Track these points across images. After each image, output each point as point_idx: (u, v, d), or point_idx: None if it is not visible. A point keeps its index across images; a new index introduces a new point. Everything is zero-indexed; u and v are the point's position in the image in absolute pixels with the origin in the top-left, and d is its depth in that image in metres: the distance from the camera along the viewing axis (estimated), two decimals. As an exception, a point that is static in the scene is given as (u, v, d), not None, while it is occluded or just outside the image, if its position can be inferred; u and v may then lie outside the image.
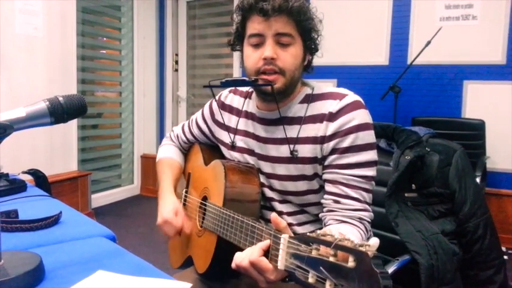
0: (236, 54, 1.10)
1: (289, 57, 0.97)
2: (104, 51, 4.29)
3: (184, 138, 1.32)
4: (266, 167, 1.07)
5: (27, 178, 1.48)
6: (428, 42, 2.90)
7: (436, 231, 1.22)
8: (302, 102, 1.04)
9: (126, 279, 0.74)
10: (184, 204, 1.25)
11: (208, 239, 1.05)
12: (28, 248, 0.86)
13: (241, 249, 0.82)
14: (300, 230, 1.08)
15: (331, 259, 0.54)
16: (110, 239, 0.97)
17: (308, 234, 0.61)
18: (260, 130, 1.09)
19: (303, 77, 1.08)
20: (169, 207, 1.12)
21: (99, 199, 3.92)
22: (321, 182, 1.02)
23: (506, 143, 2.96)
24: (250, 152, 1.11)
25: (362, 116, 0.96)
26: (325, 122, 0.98)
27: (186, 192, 1.26)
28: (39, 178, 1.56)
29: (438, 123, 2.88)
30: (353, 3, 3.41)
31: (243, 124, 1.14)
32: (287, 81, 0.98)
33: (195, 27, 4.47)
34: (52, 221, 1.03)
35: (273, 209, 1.10)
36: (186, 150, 1.36)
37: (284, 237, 0.68)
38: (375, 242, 0.51)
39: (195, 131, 1.29)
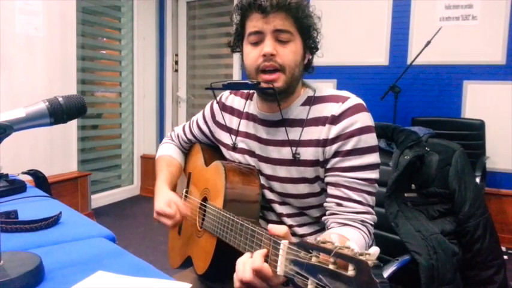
0: (236, 55, 1.10)
1: (289, 53, 0.97)
2: (104, 52, 4.29)
3: (184, 138, 1.33)
4: (267, 168, 1.07)
5: (27, 179, 1.48)
6: (428, 43, 2.90)
7: (436, 231, 1.22)
8: (304, 104, 1.03)
9: (126, 279, 0.74)
10: (184, 204, 1.25)
11: (207, 240, 1.04)
12: (28, 248, 0.86)
13: (241, 253, 0.82)
14: (299, 231, 1.08)
15: (331, 267, 0.54)
16: (110, 239, 0.97)
17: (308, 241, 0.61)
18: (261, 132, 1.09)
19: (304, 78, 1.08)
20: (161, 200, 1.12)
21: (99, 199, 3.92)
22: (323, 185, 1.02)
23: (506, 143, 2.96)
24: (251, 154, 1.11)
25: (364, 119, 0.96)
26: (327, 125, 0.98)
27: (187, 192, 1.26)
28: (39, 179, 1.56)
29: (438, 123, 2.89)
30: (353, 3, 3.41)
31: (244, 125, 1.14)
32: (288, 78, 0.98)
33: (195, 28, 4.47)
34: (52, 222, 1.03)
35: (273, 211, 1.10)
36: (186, 150, 1.36)
37: (284, 243, 0.68)
38: (375, 250, 0.50)
39: (196, 131, 1.29)
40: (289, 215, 1.07)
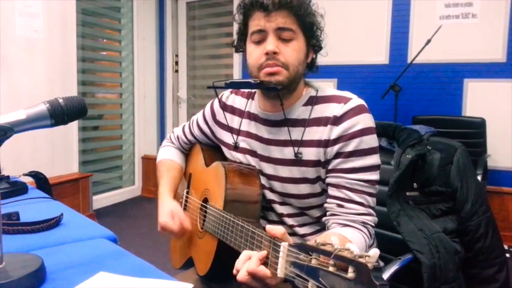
0: (236, 55, 1.10)
1: (292, 51, 0.97)
2: (104, 53, 4.29)
3: (184, 139, 1.32)
4: (268, 168, 1.07)
5: (28, 180, 1.48)
6: (429, 41, 2.90)
7: (438, 229, 1.21)
8: (306, 104, 1.03)
9: (128, 280, 0.74)
10: (185, 205, 1.25)
11: (208, 241, 1.04)
12: (29, 250, 0.86)
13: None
14: (300, 231, 1.07)
15: (331, 269, 0.54)
16: (112, 240, 0.97)
17: (308, 243, 0.61)
18: (263, 131, 1.08)
19: (307, 77, 1.08)
20: (165, 211, 1.13)
21: (101, 200, 3.92)
22: (324, 186, 1.02)
23: (507, 141, 2.96)
24: (253, 153, 1.11)
25: (366, 120, 0.97)
26: (329, 126, 0.98)
27: (187, 193, 1.26)
28: (40, 180, 1.56)
29: (439, 121, 2.88)
30: (353, 2, 3.41)
31: (246, 125, 1.13)
32: (290, 75, 0.97)
33: (194, 28, 4.47)
34: (53, 223, 1.03)
35: (273, 211, 1.10)
36: (186, 151, 1.35)
37: (284, 245, 0.68)
38: (374, 252, 0.50)
39: (196, 131, 1.28)
40: (289, 215, 1.07)
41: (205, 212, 1.09)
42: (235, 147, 1.14)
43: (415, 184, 1.30)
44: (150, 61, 4.40)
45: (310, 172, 1.01)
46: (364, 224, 0.94)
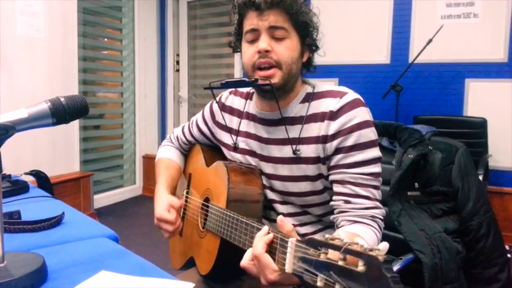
0: (237, 54, 1.10)
1: (284, 49, 0.97)
2: (105, 52, 4.29)
3: (184, 140, 1.32)
4: (268, 167, 1.07)
5: (29, 179, 1.48)
6: (430, 41, 2.89)
7: (439, 229, 1.21)
8: (303, 101, 1.03)
9: (129, 279, 0.74)
10: (185, 205, 1.25)
11: (211, 240, 1.04)
12: (31, 248, 0.86)
13: (245, 251, 0.82)
14: (301, 230, 1.07)
15: (340, 263, 0.54)
16: (113, 239, 0.97)
17: (316, 238, 0.61)
18: (262, 131, 1.08)
19: (305, 76, 1.08)
20: (161, 205, 1.12)
21: (102, 200, 3.92)
22: (325, 183, 1.02)
23: (508, 141, 2.95)
24: (252, 153, 1.11)
25: (363, 113, 0.97)
26: (326, 121, 0.98)
27: (187, 193, 1.26)
28: (42, 179, 1.56)
29: (440, 121, 2.88)
30: (354, 2, 3.40)
31: (245, 125, 1.13)
32: (285, 75, 0.98)
33: (195, 28, 4.47)
34: (55, 222, 1.03)
35: (274, 210, 1.10)
36: (186, 151, 1.35)
37: (291, 241, 0.68)
38: (384, 245, 0.50)
39: (195, 132, 1.28)
40: (290, 214, 1.07)
41: (207, 211, 1.09)
42: (235, 148, 1.15)
43: (416, 184, 1.30)
44: (151, 60, 4.40)
45: (310, 169, 1.01)
46: (373, 218, 0.94)
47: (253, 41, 0.99)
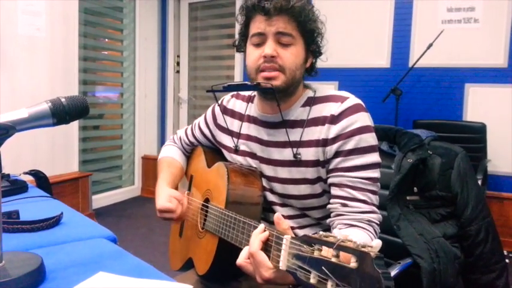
0: (238, 56, 1.11)
1: (289, 56, 0.97)
2: (106, 53, 4.29)
3: (187, 141, 1.33)
4: (268, 170, 1.07)
5: (28, 179, 1.48)
6: (430, 45, 2.90)
7: (438, 234, 1.21)
8: (304, 105, 1.04)
9: (127, 280, 0.74)
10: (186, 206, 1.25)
11: (209, 240, 1.04)
12: (29, 249, 0.86)
13: None
14: (300, 233, 1.07)
15: (333, 260, 0.55)
16: (111, 240, 0.97)
17: (310, 235, 0.62)
18: (263, 133, 1.09)
19: (306, 79, 1.08)
20: (161, 197, 1.13)
21: (100, 200, 3.92)
22: (324, 186, 1.02)
23: (507, 146, 2.96)
24: (253, 155, 1.11)
25: (364, 118, 0.97)
26: (327, 125, 0.98)
27: (188, 194, 1.26)
28: (40, 179, 1.56)
29: (439, 126, 2.88)
30: (355, 5, 3.41)
31: (246, 128, 1.14)
32: (287, 79, 0.98)
33: (196, 29, 4.47)
34: (53, 222, 1.02)
35: (273, 212, 1.10)
36: (188, 153, 1.36)
37: (286, 238, 0.69)
38: (377, 243, 0.51)
39: (198, 134, 1.29)
40: (290, 217, 1.07)
41: (206, 212, 1.09)
42: (236, 151, 1.15)
43: (415, 188, 1.30)
44: (151, 61, 4.41)
45: (310, 172, 1.01)
46: (369, 222, 0.94)
47: (258, 45, 0.99)
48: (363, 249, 0.51)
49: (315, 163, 1.00)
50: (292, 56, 0.98)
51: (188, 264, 1.18)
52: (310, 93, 1.05)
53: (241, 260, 0.81)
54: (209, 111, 1.27)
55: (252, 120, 1.13)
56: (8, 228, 0.96)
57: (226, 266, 0.97)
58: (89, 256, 0.85)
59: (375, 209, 0.97)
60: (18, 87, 2.89)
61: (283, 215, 1.06)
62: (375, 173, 0.97)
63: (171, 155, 1.32)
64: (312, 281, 0.58)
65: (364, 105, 0.99)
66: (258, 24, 0.98)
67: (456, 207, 1.26)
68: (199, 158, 1.27)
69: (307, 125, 1.01)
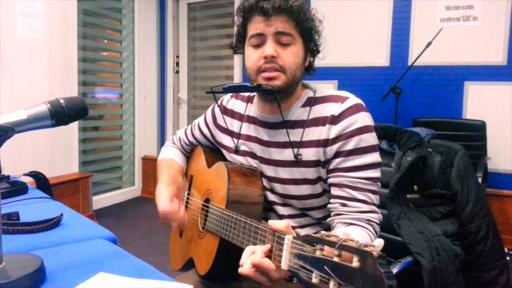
0: (237, 56, 1.11)
1: (290, 55, 0.97)
2: (105, 53, 4.29)
3: (186, 141, 1.33)
4: (268, 170, 1.07)
5: (28, 180, 1.47)
6: (429, 44, 2.90)
7: (438, 232, 1.21)
8: (304, 105, 1.04)
9: (127, 281, 0.74)
10: (186, 206, 1.25)
11: (210, 240, 1.04)
12: (29, 250, 0.86)
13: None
14: (301, 232, 1.07)
15: (336, 259, 0.54)
16: (111, 241, 0.97)
17: (312, 234, 0.61)
18: (263, 134, 1.09)
19: (304, 79, 1.08)
20: (162, 199, 1.12)
21: (100, 201, 3.92)
22: (324, 186, 1.02)
23: (507, 144, 2.96)
24: (253, 156, 1.11)
25: (364, 118, 0.97)
26: (327, 125, 0.98)
27: (188, 194, 1.26)
28: (40, 180, 1.55)
29: (439, 124, 2.88)
30: (354, 4, 3.41)
31: (246, 128, 1.14)
32: (288, 79, 0.98)
33: (195, 29, 4.47)
34: (53, 223, 1.02)
35: (274, 212, 1.10)
36: (188, 153, 1.36)
37: (288, 238, 0.68)
38: (379, 242, 0.51)
39: (197, 134, 1.29)
40: (290, 216, 1.07)
41: (207, 211, 1.09)
42: (236, 151, 1.15)
43: (415, 187, 1.30)
44: (150, 62, 4.40)
45: (310, 173, 1.01)
46: (368, 221, 0.94)
47: (258, 46, 0.99)
48: (365, 248, 0.51)
49: (316, 163, 1.00)
50: (292, 55, 0.98)
51: (189, 264, 1.18)
52: (309, 93, 1.05)
53: (246, 270, 0.75)
54: (209, 112, 1.27)
55: (251, 120, 1.13)
56: (8, 230, 0.96)
57: (227, 266, 0.97)
58: (89, 257, 0.85)
59: (375, 208, 0.97)
60: (17, 88, 2.89)
61: (284, 215, 1.07)
62: (375, 173, 0.97)
63: (170, 156, 1.32)
64: (314, 280, 0.58)
65: (364, 105, 0.99)
66: (257, 25, 0.98)
67: (456, 205, 1.26)
68: (199, 158, 1.27)
69: (307, 126, 1.01)
